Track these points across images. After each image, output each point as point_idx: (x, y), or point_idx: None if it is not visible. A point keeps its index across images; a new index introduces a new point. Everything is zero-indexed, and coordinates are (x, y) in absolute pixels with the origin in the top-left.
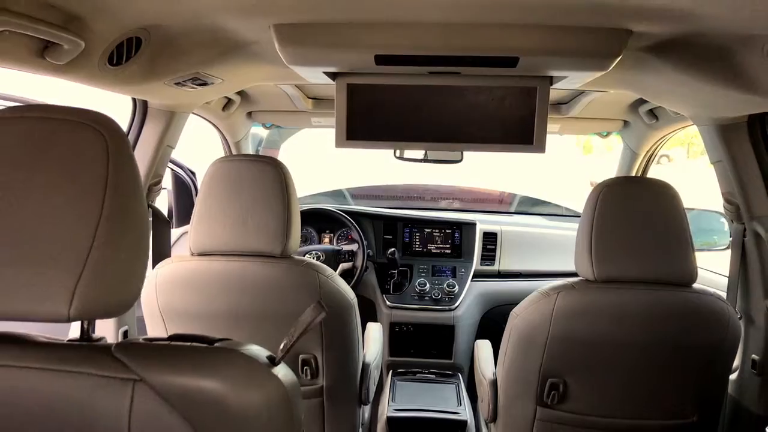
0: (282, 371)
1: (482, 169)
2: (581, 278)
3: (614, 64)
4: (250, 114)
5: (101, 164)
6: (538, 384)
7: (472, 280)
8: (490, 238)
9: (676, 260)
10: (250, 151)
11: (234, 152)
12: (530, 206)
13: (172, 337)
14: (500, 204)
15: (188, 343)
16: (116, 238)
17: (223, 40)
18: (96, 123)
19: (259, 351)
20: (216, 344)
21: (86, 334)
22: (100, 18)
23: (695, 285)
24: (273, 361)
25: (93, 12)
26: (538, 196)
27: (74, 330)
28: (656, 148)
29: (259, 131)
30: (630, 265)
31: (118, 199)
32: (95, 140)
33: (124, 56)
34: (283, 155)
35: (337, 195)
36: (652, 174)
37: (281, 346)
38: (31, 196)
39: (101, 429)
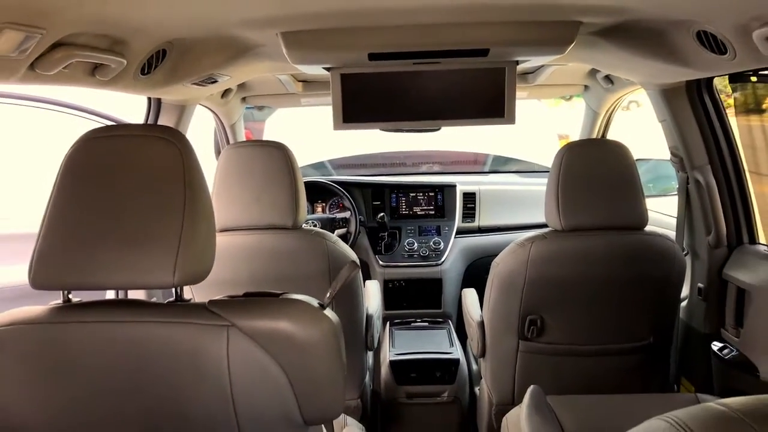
0: (329, 314)
1: (455, 133)
2: (551, 229)
3: (568, 49)
4: (244, 99)
5: (179, 168)
6: (519, 321)
7: (455, 237)
8: (469, 197)
9: (629, 209)
10: (243, 131)
11: (230, 134)
12: (502, 164)
13: (246, 294)
14: (475, 164)
15: (262, 297)
16: (196, 223)
17: (235, 46)
18: (170, 136)
19: (311, 299)
20: (280, 296)
21: (180, 297)
22: (138, 38)
23: (647, 228)
24: (322, 307)
25: (133, 33)
26: (510, 153)
27: None
28: (614, 109)
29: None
30: (591, 215)
31: (193, 193)
32: (171, 150)
33: (153, 66)
34: (269, 129)
35: (318, 167)
36: (623, 119)
37: (326, 296)
38: (132, 196)
39: (208, 365)
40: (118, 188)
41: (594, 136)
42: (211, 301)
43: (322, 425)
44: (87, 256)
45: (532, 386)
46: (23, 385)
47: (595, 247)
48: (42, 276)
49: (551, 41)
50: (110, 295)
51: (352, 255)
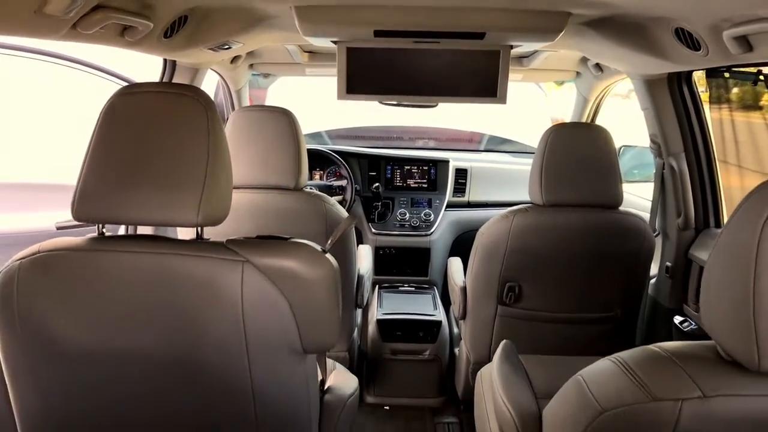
0: (330, 258)
1: (453, 112)
2: (533, 203)
3: (558, 36)
4: (251, 65)
5: (203, 123)
6: (498, 287)
7: (445, 210)
8: (461, 173)
9: (606, 188)
10: (248, 96)
11: (235, 98)
12: (497, 144)
13: (258, 237)
14: (470, 143)
15: (273, 239)
16: (217, 172)
17: (250, 15)
18: (196, 94)
19: (315, 245)
20: (288, 240)
21: (200, 236)
22: (164, 3)
23: (621, 207)
24: (324, 252)
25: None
26: (507, 135)
27: None
28: (603, 96)
29: None
30: (571, 193)
31: (215, 146)
32: (197, 107)
33: (175, 30)
34: (270, 98)
35: (315, 137)
36: (622, 106)
37: (327, 243)
38: (162, 144)
39: (224, 294)
40: (150, 137)
41: (583, 120)
42: (228, 240)
43: (316, 362)
44: (121, 195)
45: (504, 341)
46: (63, 302)
47: (572, 222)
48: (82, 211)
49: (543, 29)
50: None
51: (346, 216)
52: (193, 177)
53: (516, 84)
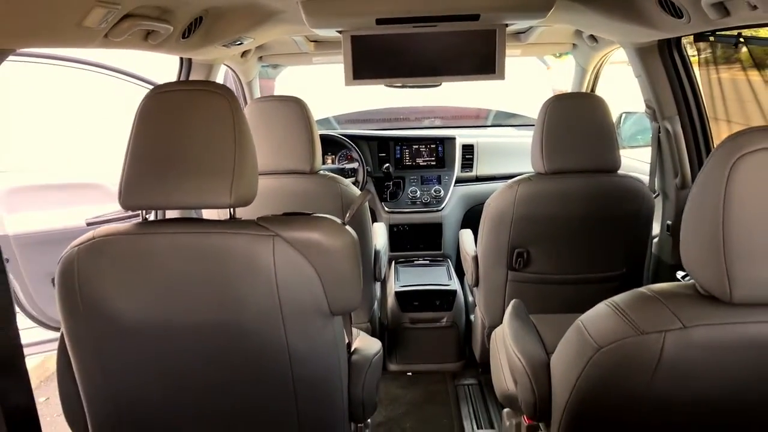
0: (349, 228)
1: (459, 91)
2: (536, 172)
3: (549, 13)
4: (260, 58)
5: (229, 115)
6: (508, 254)
7: (454, 185)
8: (468, 149)
9: (604, 154)
10: (258, 87)
11: (247, 90)
12: (504, 119)
13: (285, 214)
14: (477, 119)
15: (298, 215)
16: (244, 158)
17: (260, 12)
18: (222, 91)
19: (335, 218)
20: (311, 215)
21: (233, 216)
22: (182, 7)
23: (620, 171)
24: (343, 224)
25: (179, 4)
26: (512, 109)
27: None
28: (600, 65)
29: None
30: (571, 160)
31: (241, 135)
32: (223, 102)
33: (191, 31)
34: (279, 87)
35: (324, 122)
36: (619, 71)
37: (346, 216)
38: (194, 136)
39: (259, 265)
40: (182, 131)
41: (583, 90)
42: (259, 218)
43: (343, 327)
44: (161, 184)
45: (514, 300)
46: (118, 281)
47: (573, 187)
48: (128, 200)
49: (534, 6)
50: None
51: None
52: (223, 164)
53: (518, 59)
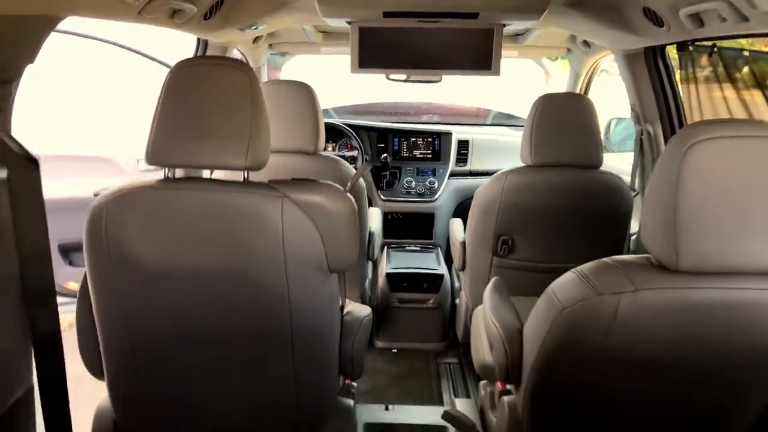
0: (349, 195)
1: (462, 91)
2: (524, 164)
3: (543, 15)
4: (271, 45)
5: (247, 88)
6: (493, 240)
7: (448, 178)
8: (463, 144)
9: (588, 150)
10: (266, 73)
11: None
12: (503, 120)
13: (293, 179)
14: (476, 118)
15: (305, 180)
16: (258, 127)
17: (274, 1)
18: (241, 66)
19: (338, 185)
20: (317, 181)
21: (246, 179)
22: None
23: (602, 168)
24: (345, 191)
25: None
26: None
27: None
28: (593, 70)
29: None
30: (557, 154)
31: (256, 106)
32: (242, 76)
33: (212, 13)
34: (284, 76)
35: (323, 113)
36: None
37: (347, 185)
38: (215, 105)
39: (268, 223)
40: (205, 99)
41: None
42: (270, 181)
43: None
44: (184, 145)
45: (495, 278)
46: (141, 229)
47: (558, 180)
48: (154, 158)
49: (528, 9)
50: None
51: (362, 184)
52: (240, 130)
53: (520, 66)
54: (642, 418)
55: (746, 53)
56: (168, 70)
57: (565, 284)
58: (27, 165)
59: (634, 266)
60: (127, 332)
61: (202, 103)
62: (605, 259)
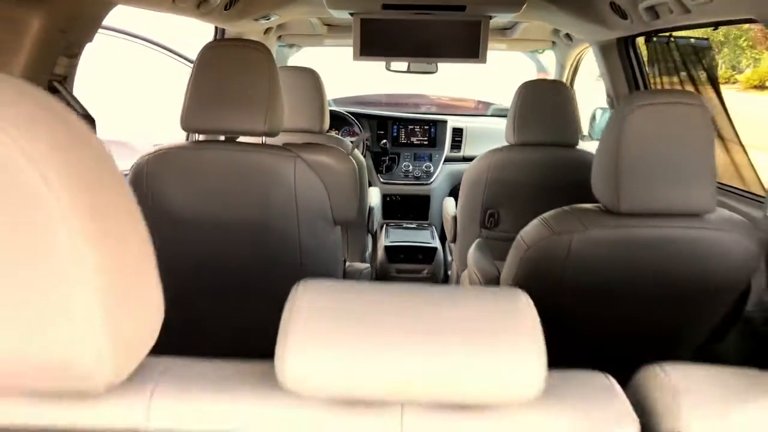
0: (352, 158)
1: (464, 87)
2: (508, 144)
3: (523, 8)
4: (280, 36)
5: (266, 67)
6: (481, 214)
7: (443, 163)
8: (457, 132)
9: (564, 130)
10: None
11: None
12: (503, 113)
13: (304, 143)
14: (475, 110)
15: (315, 144)
16: (275, 98)
17: None
18: (260, 47)
19: (342, 149)
20: (325, 145)
21: (264, 143)
22: None
23: (578, 147)
24: (348, 154)
25: None
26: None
27: None
28: (577, 62)
29: None
30: (536, 133)
31: (273, 82)
32: (261, 56)
33: (232, 4)
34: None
35: None
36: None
37: (350, 150)
38: (239, 79)
39: (283, 179)
40: (230, 74)
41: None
42: (284, 144)
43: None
44: (213, 113)
45: (478, 239)
46: (174, 183)
47: (538, 157)
48: (188, 125)
49: (510, 2)
50: None
51: (361, 158)
52: (259, 101)
53: (519, 66)
54: (601, 340)
55: (693, 41)
56: (184, 63)
57: (530, 228)
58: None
59: (585, 211)
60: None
61: (227, 77)
62: (564, 207)
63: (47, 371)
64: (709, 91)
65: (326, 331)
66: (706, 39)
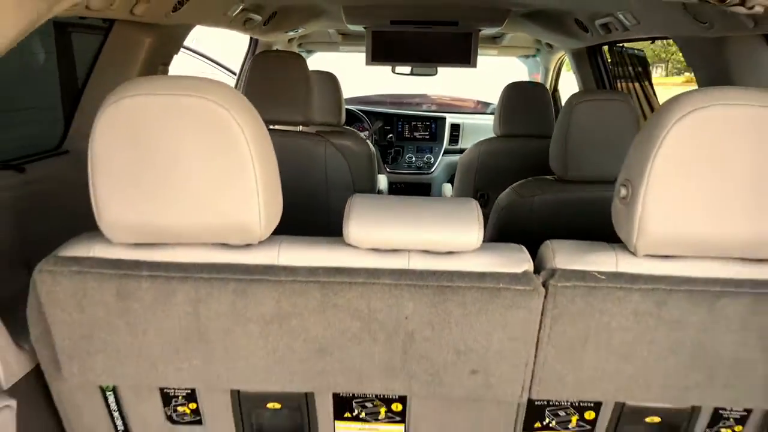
0: (368, 142)
1: (466, 88)
2: (495, 135)
3: (504, 24)
4: (300, 44)
5: (304, 71)
6: (473, 196)
7: (443, 155)
8: (455, 127)
9: (542, 123)
10: None
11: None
12: None
13: (332, 130)
14: (474, 109)
15: (341, 131)
16: (309, 96)
17: (314, 11)
18: (298, 57)
19: (362, 134)
20: (348, 130)
21: (302, 132)
22: (270, 4)
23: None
24: (364, 139)
25: (269, 3)
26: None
27: None
28: (559, 65)
29: None
30: (518, 126)
31: (308, 82)
32: (299, 63)
33: (268, 20)
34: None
35: None
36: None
37: (365, 135)
38: (283, 80)
39: (316, 159)
40: (277, 77)
41: (547, 85)
42: (317, 131)
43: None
44: (264, 105)
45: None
46: None
47: (517, 147)
48: None
49: (493, 18)
50: None
51: (373, 148)
52: (298, 98)
53: (515, 72)
54: None
55: (637, 51)
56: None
57: (503, 195)
58: None
59: (543, 180)
60: None
61: (274, 79)
62: (530, 179)
63: (230, 227)
64: (645, 86)
65: (375, 208)
66: (642, 50)
